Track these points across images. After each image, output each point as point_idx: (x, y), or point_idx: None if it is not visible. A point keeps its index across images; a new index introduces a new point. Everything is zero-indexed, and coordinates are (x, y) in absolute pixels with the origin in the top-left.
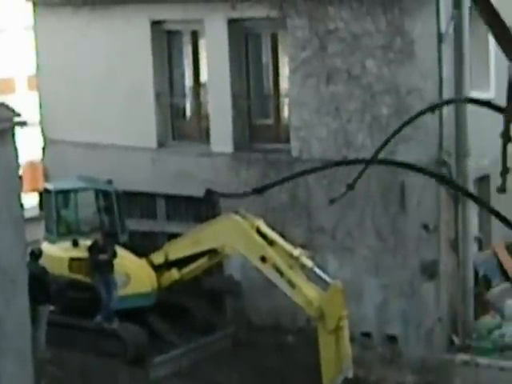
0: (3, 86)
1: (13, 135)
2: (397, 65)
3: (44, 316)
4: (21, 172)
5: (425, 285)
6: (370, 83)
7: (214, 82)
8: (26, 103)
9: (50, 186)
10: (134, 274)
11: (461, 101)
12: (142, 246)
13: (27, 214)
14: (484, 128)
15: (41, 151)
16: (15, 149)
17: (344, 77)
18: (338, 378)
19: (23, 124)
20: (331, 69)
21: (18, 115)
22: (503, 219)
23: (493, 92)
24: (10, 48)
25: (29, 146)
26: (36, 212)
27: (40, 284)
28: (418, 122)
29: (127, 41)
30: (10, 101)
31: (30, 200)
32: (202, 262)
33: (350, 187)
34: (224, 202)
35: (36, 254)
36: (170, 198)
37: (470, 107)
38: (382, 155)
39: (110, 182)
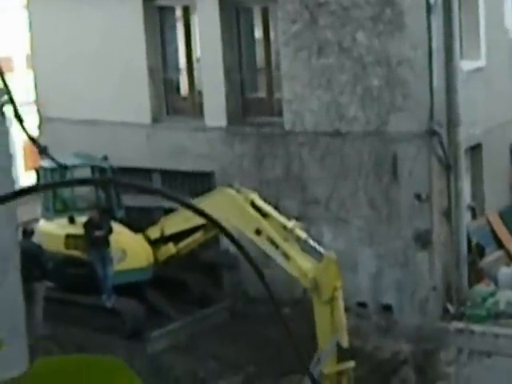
0: (2, 65)
1: (2, 113)
2: (387, 36)
3: (40, 292)
4: (21, 150)
5: (419, 254)
6: (361, 55)
7: (207, 56)
8: (24, 82)
9: (45, 164)
10: (130, 249)
11: None
12: (139, 222)
13: None
14: (475, 97)
15: (37, 129)
16: (5, 125)
17: (335, 49)
18: (332, 340)
19: (11, 101)
20: (322, 41)
21: (8, 93)
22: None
23: (483, 61)
24: (9, 27)
25: (31, 124)
26: None
27: (35, 261)
28: (409, 91)
29: (120, 17)
30: (9, 80)
31: (31, 178)
32: (198, 237)
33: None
34: (219, 176)
35: (28, 232)
36: (166, 173)
37: (462, 76)
38: (373, 125)
39: (105, 158)
